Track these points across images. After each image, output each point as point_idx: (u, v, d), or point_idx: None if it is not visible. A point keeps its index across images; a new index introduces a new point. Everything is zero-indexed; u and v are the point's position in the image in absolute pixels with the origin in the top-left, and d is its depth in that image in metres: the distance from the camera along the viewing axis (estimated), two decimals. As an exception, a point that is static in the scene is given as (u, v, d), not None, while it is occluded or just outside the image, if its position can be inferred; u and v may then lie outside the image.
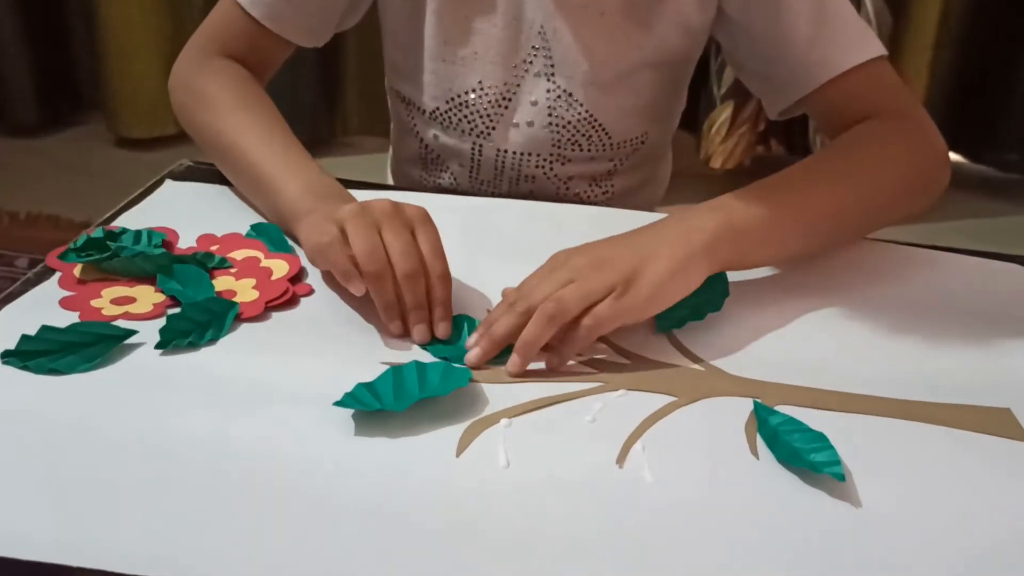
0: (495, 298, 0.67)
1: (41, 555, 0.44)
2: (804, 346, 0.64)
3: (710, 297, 0.66)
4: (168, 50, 2.27)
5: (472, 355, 0.59)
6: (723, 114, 2.08)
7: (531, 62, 0.82)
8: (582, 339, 0.59)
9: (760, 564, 0.46)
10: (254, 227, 0.73)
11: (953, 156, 2.26)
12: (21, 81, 2.31)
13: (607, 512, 0.49)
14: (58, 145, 2.35)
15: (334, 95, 2.31)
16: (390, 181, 1.01)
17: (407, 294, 0.61)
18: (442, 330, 0.61)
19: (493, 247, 0.72)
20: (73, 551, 0.44)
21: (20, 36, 2.28)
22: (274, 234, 0.72)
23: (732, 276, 0.68)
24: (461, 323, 0.63)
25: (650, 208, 0.96)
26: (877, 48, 0.78)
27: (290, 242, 0.71)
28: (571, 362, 0.61)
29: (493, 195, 0.88)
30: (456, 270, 0.65)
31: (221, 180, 0.81)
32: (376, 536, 0.46)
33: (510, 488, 0.50)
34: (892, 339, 0.65)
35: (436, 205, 0.71)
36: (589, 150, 0.86)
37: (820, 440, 0.53)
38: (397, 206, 0.64)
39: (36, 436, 0.52)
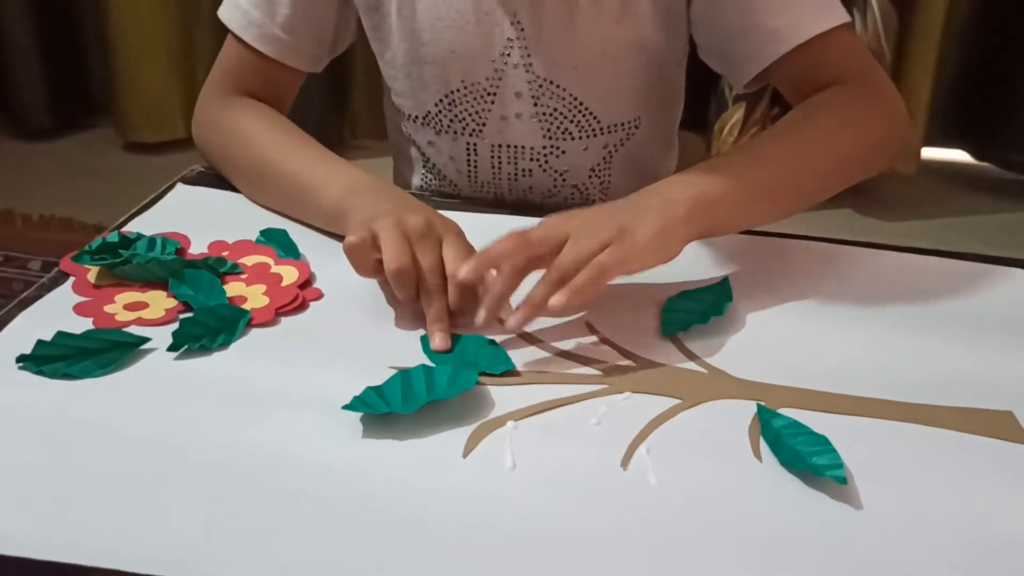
0: (500, 313, 0.67)
1: (54, 555, 0.45)
2: (807, 350, 0.64)
3: (714, 302, 0.67)
4: (177, 55, 2.29)
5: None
6: (735, 115, 2.08)
7: (508, 54, 0.82)
8: (583, 284, 0.60)
9: (762, 566, 0.47)
10: (263, 233, 0.74)
11: (958, 155, 2.27)
12: (34, 86, 2.33)
13: (611, 513, 0.49)
14: (70, 149, 2.36)
15: (343, 99, 2.32)
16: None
17: (426, 308, 0.64)
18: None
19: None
20: (86, 551, 0.45)
21: (33, 42, 2.29)
22: (284, 240, 0.73)
23: (735, 281, 0.69)
24: (470, 340, 0.63)
25: None
26: (840, 16, 0.78)
27: (300, 249, 0.72)
28: (576, 365, 0.61)
29: (494, 196, 0.89)
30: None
31: (231, 186, 0.82)
32: (383, 536, 0.47)
33: (516, 489, 0.51)
34: (894, 342, 0.65)
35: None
36: (580, 136, 0.86)
37: (822, 443, 0.54)
38: (430, 224, 0.66)
39: (50, 438, 0.53)
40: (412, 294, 0.64)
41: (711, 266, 0.72)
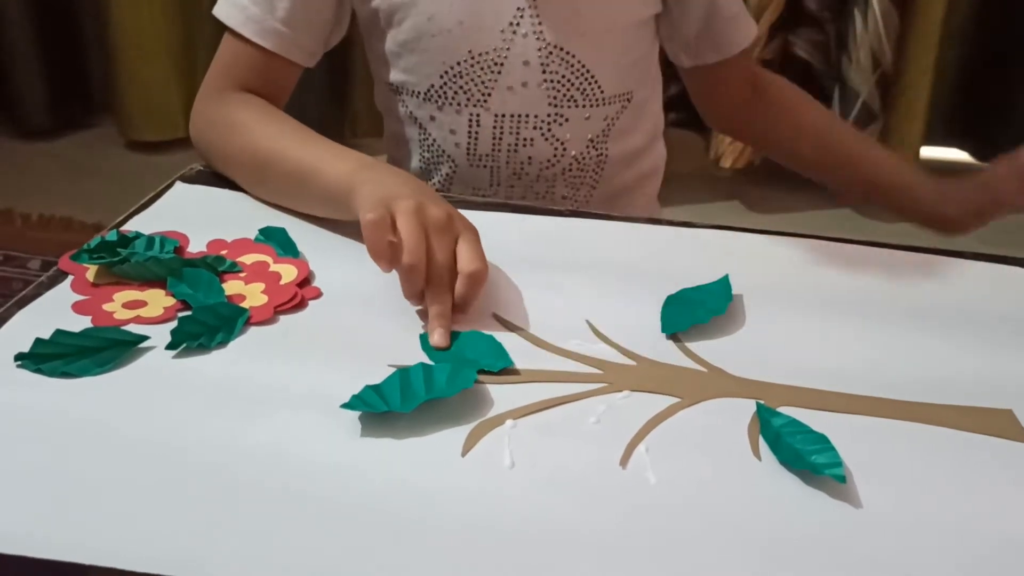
0: (502, 303, 0.67)
1: (53, 553, 0.45)
2: (807, 349, 0.64)
3: (714, 300, 0.67)
4: (178, 54, 2.29)
5: None
6: (734, 115, 2.08)
7: (518, 23, 0.84)
8: None
9: (761, 565, 0.47)
10: (262, 231, 0.74)
11: (958, 154, 2.27)
12: (34, 85, 2.33)
13: (610, 512, 0.49)
14: (70, 148, 2.36)
15: (343, 98, 2.32)
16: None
17: (431, 303, 0.63)
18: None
19: (500, 258, 0.72)
20: (84, 550, 0.45)
21: (33, 41, 2.29)
22: (283, 239, 0.73)
23: (735, 280, 0.69)
24: (469, 337, 0.63)
25: (649, 186, 1.00)
26: (755, 30, 0.94)
27: (299, 247, 0.72)
28: (575, 363, 0.61)
29: (489, 169, 0.90)
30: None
31: (230, 184, 0.82)
32: (383, 536, 0.47)
33: (515, 489, 0.50)
34: (894, 341, 0.65)
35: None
36: (584, 104, 0.88)
37: (821, 441, 0.53)
38: (451, 219, 0.66)
39: (49, 437, 0.53)
40: (419, 291, 0.64)
41: (711, 264, 0.72)
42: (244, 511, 0.48)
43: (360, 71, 2.28)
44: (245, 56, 0.84)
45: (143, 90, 2.27)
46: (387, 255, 0.63)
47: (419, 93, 0.88)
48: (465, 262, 0.64)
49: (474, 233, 0.67)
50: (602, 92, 0.88)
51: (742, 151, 2.12)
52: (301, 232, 0.74)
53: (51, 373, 0.57)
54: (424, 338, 0.63)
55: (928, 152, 2.18)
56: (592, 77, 0.87)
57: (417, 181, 0.72)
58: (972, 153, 2.25)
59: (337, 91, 2.29)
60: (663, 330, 0.65)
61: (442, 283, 0.64)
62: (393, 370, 0.58)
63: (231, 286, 0.67)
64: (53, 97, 2.36)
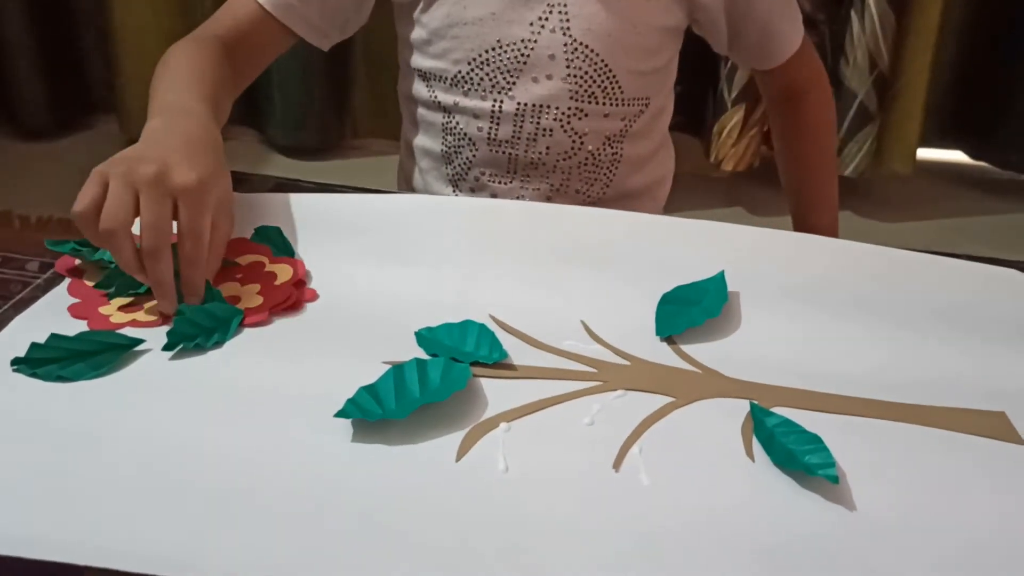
0: (498, 303, 0.67)
1: (49, 554, 0.45)
2: (801, 350, 0.64)
3: (709, 301, 0.67)
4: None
5: None
6: (734, 118, 2.07)
7: (547, 19, 0.87)
8: None
9: (754, 567, 0.47)
10: (258, 231, 0.74)
11: (955, 154, 2.27)
12: (32, 85, 2.32)
13: (604, 516, 0.49)
14: (70, 148, 2.36)
15: (343, 99, 2.32)
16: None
17: (148, 271, 0.62)
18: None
19: (496, 250, 0.73)
20: (81, 550, 0.45)
21: (31, 40, 2.29)
22: (278, 239, 0.73)
23: (730, 282, 0.69)
24: (468, 328, 0.63)
25: (658, 192, 1.02)
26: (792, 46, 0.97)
27: (294, 247, 0.72)
28: (570, 363, 0.61)
29: (508, 156, 0.92)
30: (459, 273, 0.66)
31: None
32: (378, 538, 0.47)
33: (509, 493, 0.51)
34: (888, 342, 0.65)
35: (439, 207, 0.72)
36: (603, 103, 0.91)
37: (815, 442, 0.54)
38: (162, 174, 0.62)
39: (46, 440, 0.53)
40: (130, 260, 0.61)
41: (707, 260, 0.71)
42: (240, 512, 0.48)
43: (360, 72, 2.28)
44: (245, 9, 0.86)
45: (143, 90, 2.26)
46: (97, 237, 0.62)
47: (446, 79, 0.91)
48: (181, 240, 0.62)
49: (194, 193, 0.62)
50: (622, 93, 0.90)
51: (743, 155, 2.12)
52: (297, 232, 0.75)
53: (46, 377, 0.57)
54: (419, 335, 0.63)
55: (925, 153, 2.18)
56: (614, 77, 0.89)
57: (162, 139, 0.69)
58: (969, 154, 2.25)
59: (337, 91, 2.29)
60: (657, 332, 0.65)
61: (153, 250, 0.61)
62: (388, 367, 0.58)
63: (226, 287, 0.67)
64: (53, 98, 2.36)
